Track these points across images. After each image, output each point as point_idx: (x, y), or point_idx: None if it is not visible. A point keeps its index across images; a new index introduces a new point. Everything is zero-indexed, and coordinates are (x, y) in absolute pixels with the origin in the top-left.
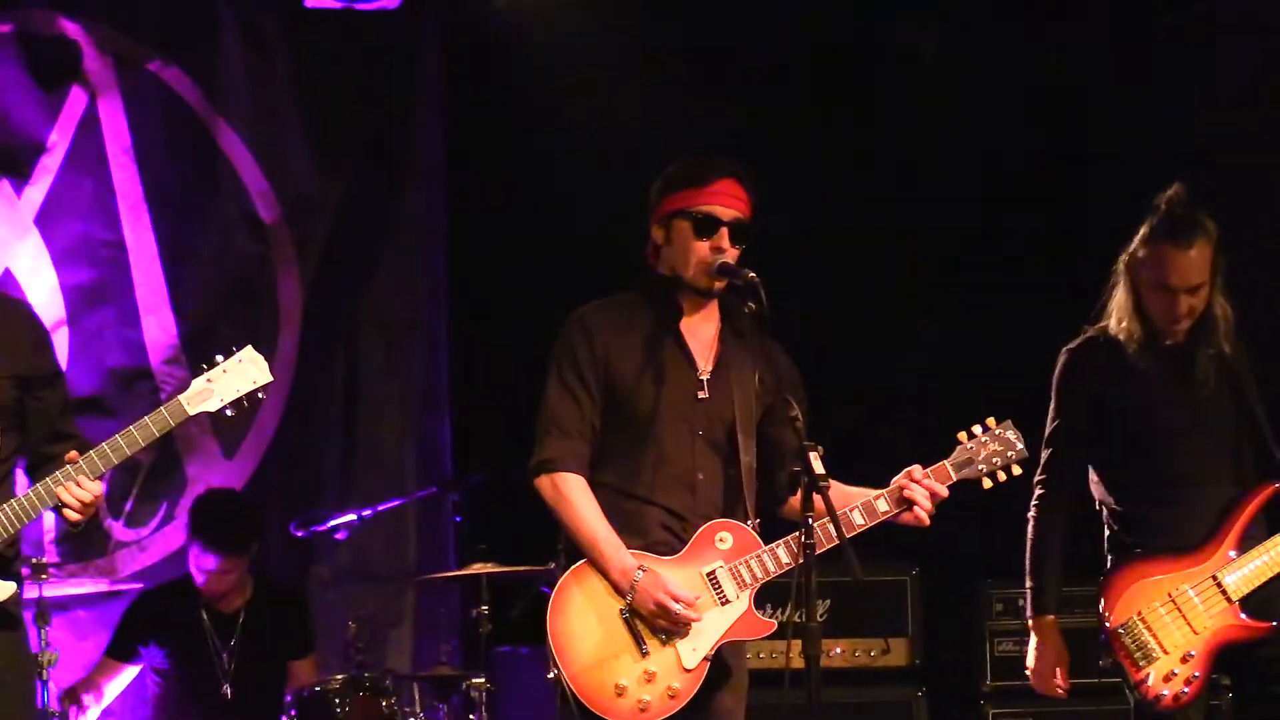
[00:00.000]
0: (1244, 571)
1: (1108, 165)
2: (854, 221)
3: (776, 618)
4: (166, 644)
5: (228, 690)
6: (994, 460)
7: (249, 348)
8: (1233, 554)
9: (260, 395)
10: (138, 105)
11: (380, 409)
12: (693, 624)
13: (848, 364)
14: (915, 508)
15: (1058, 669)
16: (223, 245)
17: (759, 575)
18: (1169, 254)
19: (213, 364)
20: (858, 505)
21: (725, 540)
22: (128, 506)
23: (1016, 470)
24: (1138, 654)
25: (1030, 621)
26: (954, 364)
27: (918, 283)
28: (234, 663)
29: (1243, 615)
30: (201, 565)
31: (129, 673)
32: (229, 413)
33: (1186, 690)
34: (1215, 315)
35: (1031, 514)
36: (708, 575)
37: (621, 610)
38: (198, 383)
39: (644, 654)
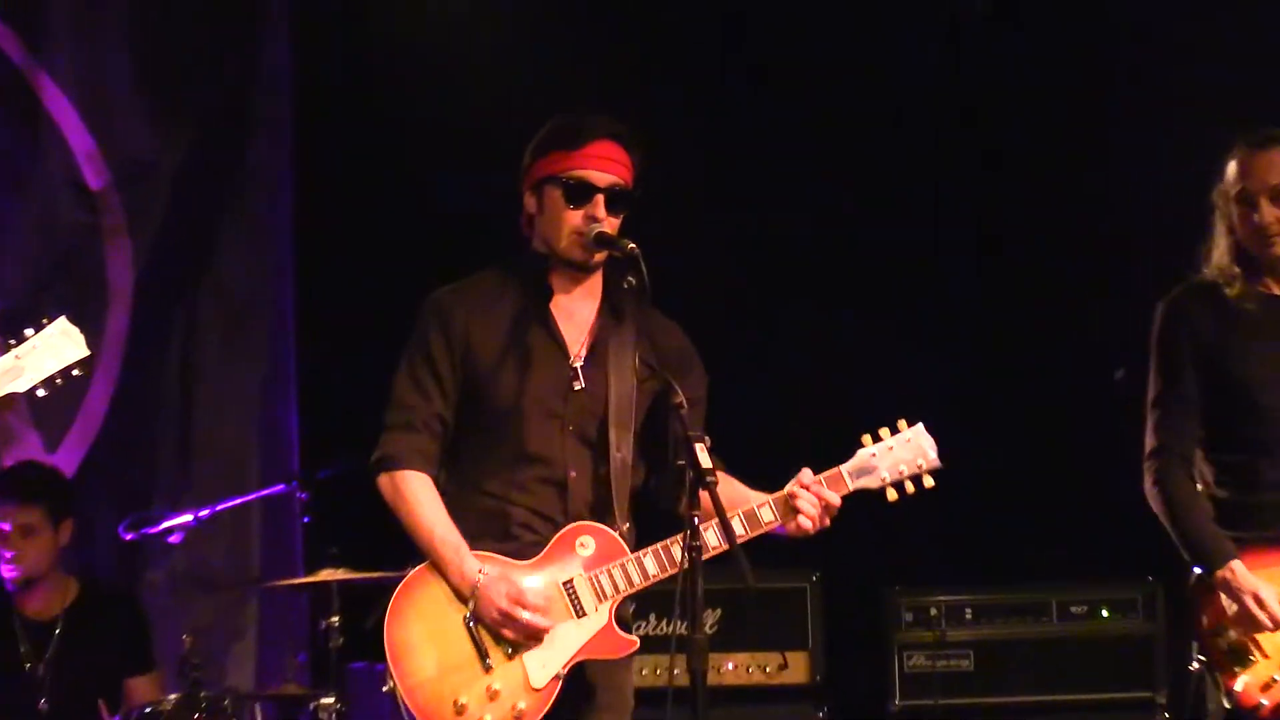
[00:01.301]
0: None
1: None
2: (772, 183)
3: (660, 629)
4: None
5: (44, 704)
6: (900, 469)
7: (62, 319)
8: None
9: (75, 373)
10: None
11: (221, 397)
12: (544, 637)
13: (758, 346)
14: (800, 517)
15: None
16: (44, 214)
17: (621, 587)
18: (1247, 157)
19: (21, 338)
20: (739, 512)
21: (586, 546)
22: None
23: (928, 482)
24: (1232, 657)
25: (1221, 577)
26: (881, 351)
27: (842, 252)
28: (50, 676)
29: None
30: None
31: None
32: (41, 393)
33: None
34: None
35: (1152, 482)
36: (564, 585)
37: (465, 618)
38: (5, 360)
39: (488, 668)
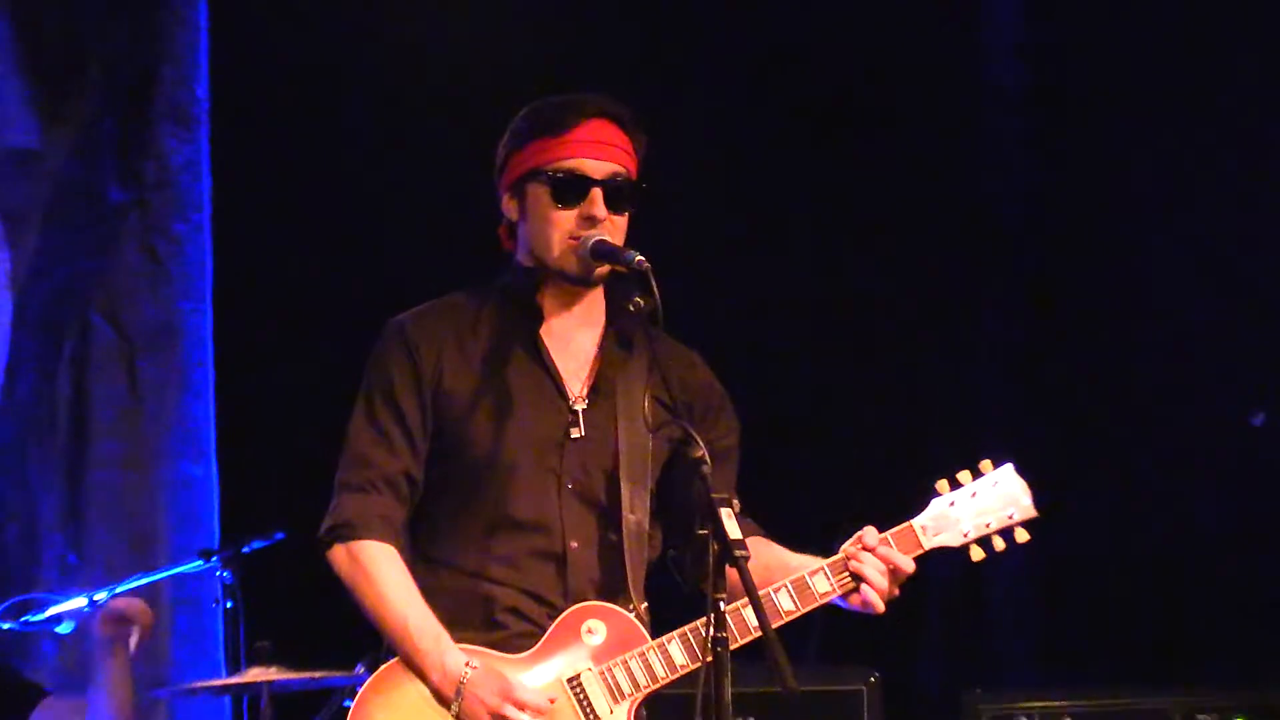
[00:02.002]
0: None
1: None
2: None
3: None
4: None
5: None
6: (985, 522)
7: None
8: None
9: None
10: None
11: (121, 447)
12: None
13: (794, 383)
14: (864, 586)
15: None
16: None
17: (642, 682)
18: None
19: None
20: (785, 584)
21: (595, 632)
22: None
23: (1021, 536)
24: None
25: None
26: (942, 383)
27: (894, 264)
28: None
29: None
30: None
31: None
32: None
33: None
34: None
35: None
36: (569, 683)
37: None
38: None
39: None
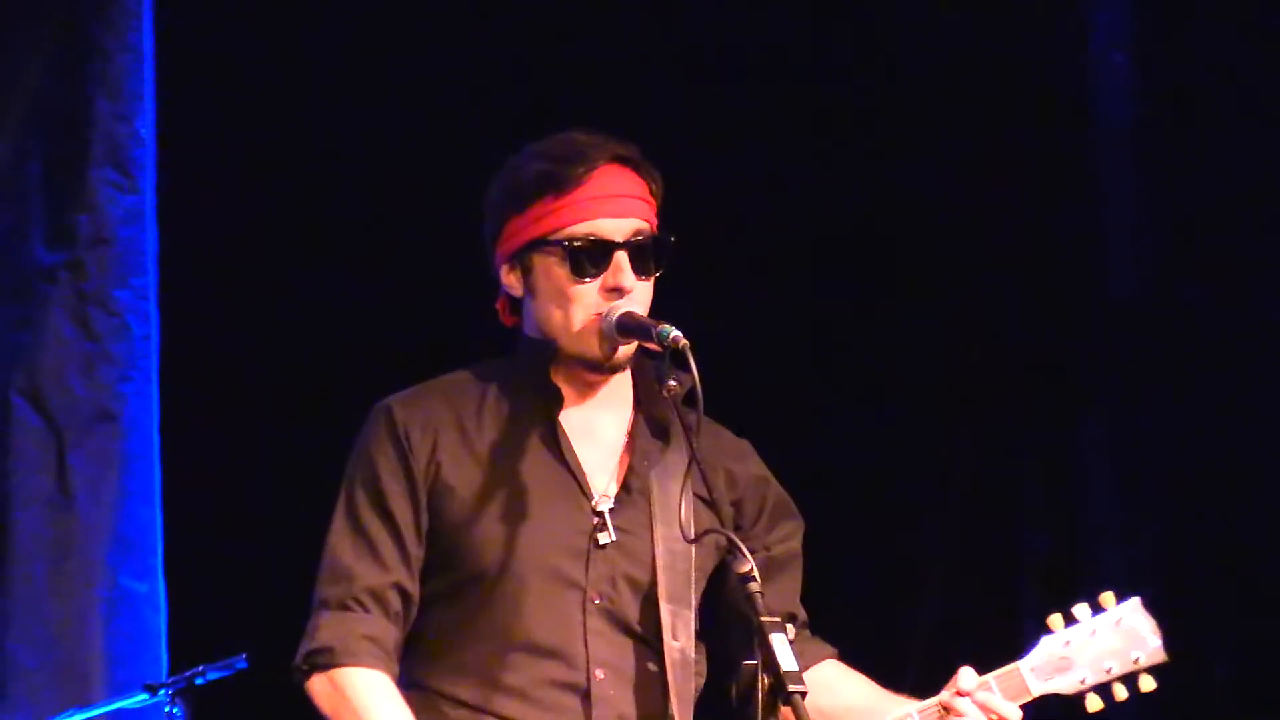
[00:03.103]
0: None
1: None
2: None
3: None
4: None
5: None
6: (1106, 666)
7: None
8: None
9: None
10: None
11: (48, 558)
12: None
13: (875, 478)
14: None
15: None
16: None
17: None
18: None
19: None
20: None
21: None
22: None
23: (1146, 685)
24: None
25: None
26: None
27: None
28: None
29: None
30: None
31: None
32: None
33: None
34: None
35: None
36: None
37: None
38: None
39: None
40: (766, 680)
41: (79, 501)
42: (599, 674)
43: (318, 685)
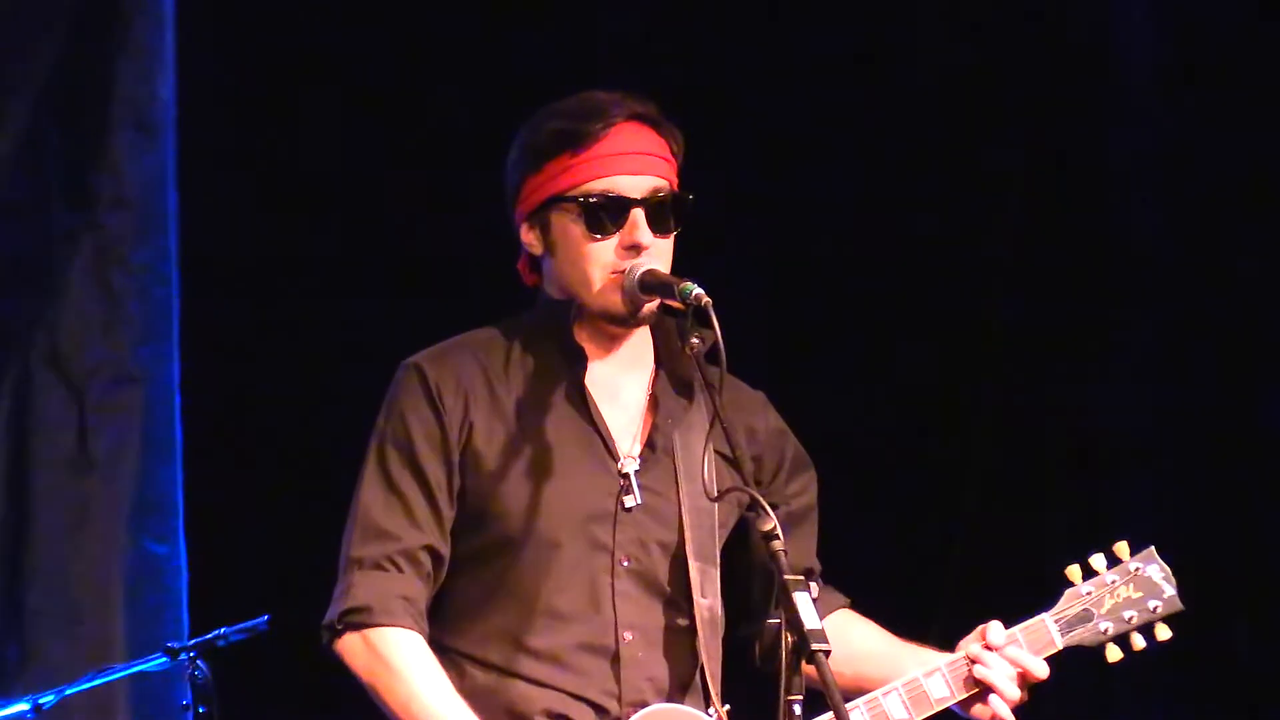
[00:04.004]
0: None
1: None
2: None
3: None
4: None
5: None
6: (1127, 615)
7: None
8: None
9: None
10: None
11: (70, 518)
12: None
13: (899, 432)
14: (992, 696)
15: None
16: None
17: None
18: None
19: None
20: (897, 688)
21: None
22: None
23: (1163, 633)
24: None
25: None
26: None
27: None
28: None
29: None
30: None
31: None
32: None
33: None
34: None
35: None
36: None
37: None
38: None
39: None
40: (790, 638)
41: (100, 463)
42: (627, 636)
43: (351, 644)
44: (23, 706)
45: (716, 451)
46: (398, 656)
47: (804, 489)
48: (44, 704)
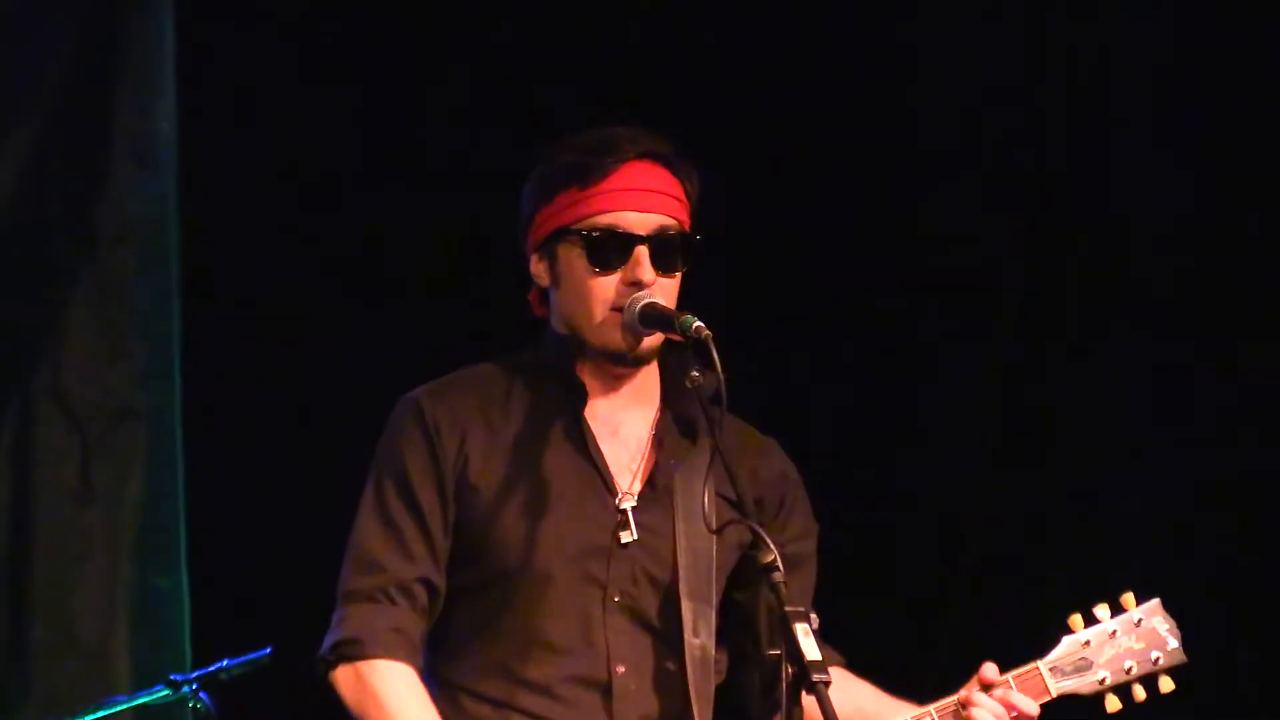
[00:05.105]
0: None
1: None
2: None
3: None
4: None
5: None
6: (1126, 666)
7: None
8: None
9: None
10: None
11: (72, 551)
12: None
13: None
14: None
15: None
16: None
17: None
18: None
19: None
20: None
21: None
22: None
23: (1165, 685)
24: None
25: None
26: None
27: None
28: None
29: None
30: None
31: None
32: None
33: None
34: None
35: None
36: None
37: None
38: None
39: None
40: (790, 670)
41: (102, 496)
42: (619, 669)
43: (343, 676)
44: None
45: (718, 494)
46: (386, 689)
47: (804, 535)
48: None
